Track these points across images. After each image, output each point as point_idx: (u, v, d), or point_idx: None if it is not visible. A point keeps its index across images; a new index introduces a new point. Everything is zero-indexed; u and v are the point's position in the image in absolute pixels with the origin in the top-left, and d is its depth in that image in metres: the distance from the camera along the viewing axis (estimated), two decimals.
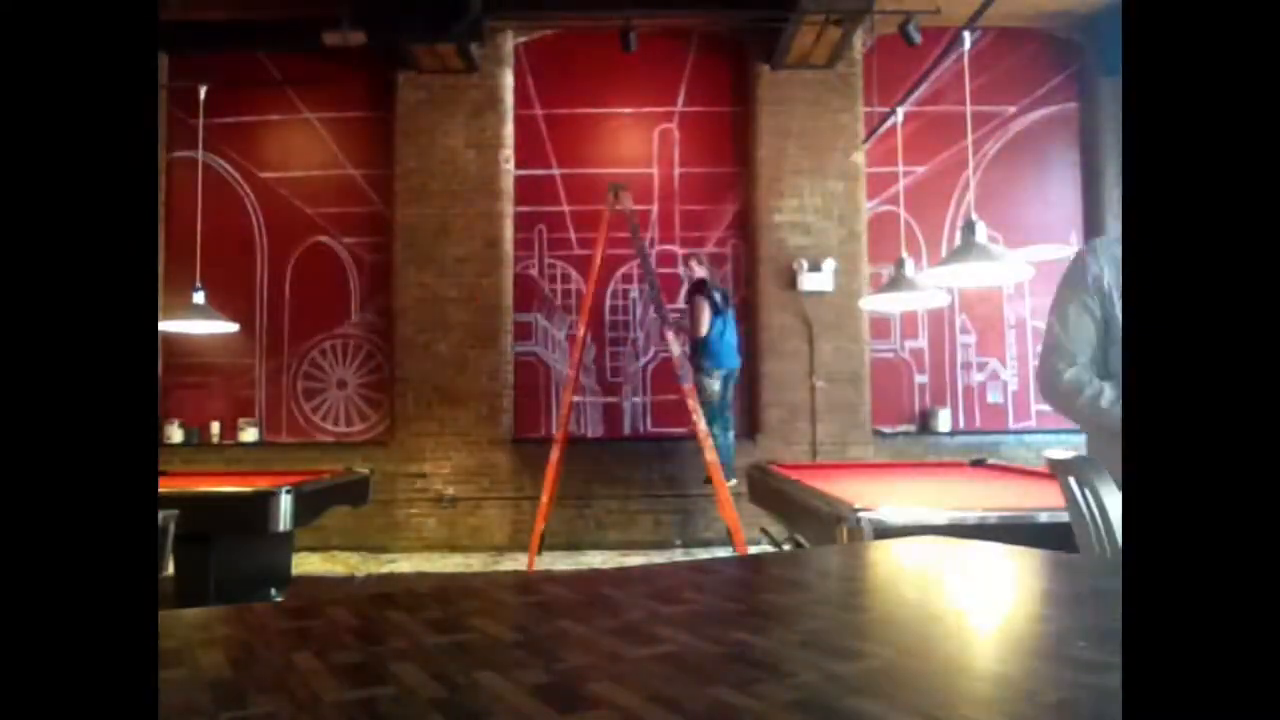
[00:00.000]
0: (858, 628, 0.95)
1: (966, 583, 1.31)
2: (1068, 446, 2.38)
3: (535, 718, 0.67)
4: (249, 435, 7.06)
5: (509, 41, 7.14)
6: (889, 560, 1.43)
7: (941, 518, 2.64)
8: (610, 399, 7.15)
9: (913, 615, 1.05)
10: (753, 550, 6.19)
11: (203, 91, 6.37)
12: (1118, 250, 2.11)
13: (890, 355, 7.25)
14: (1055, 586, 1.22)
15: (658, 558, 6.35)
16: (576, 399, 7.13)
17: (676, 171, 7.27)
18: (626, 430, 7.09)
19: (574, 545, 6.75)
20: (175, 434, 7.04)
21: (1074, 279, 2.15)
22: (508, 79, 7.13)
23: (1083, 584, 1.24)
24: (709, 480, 5.72)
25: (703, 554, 6.49)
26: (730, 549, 5.83)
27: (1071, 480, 2.32)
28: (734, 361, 6.35)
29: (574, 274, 7.20)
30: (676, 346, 5.84)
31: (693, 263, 6.44)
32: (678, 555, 6.54)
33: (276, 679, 0.78)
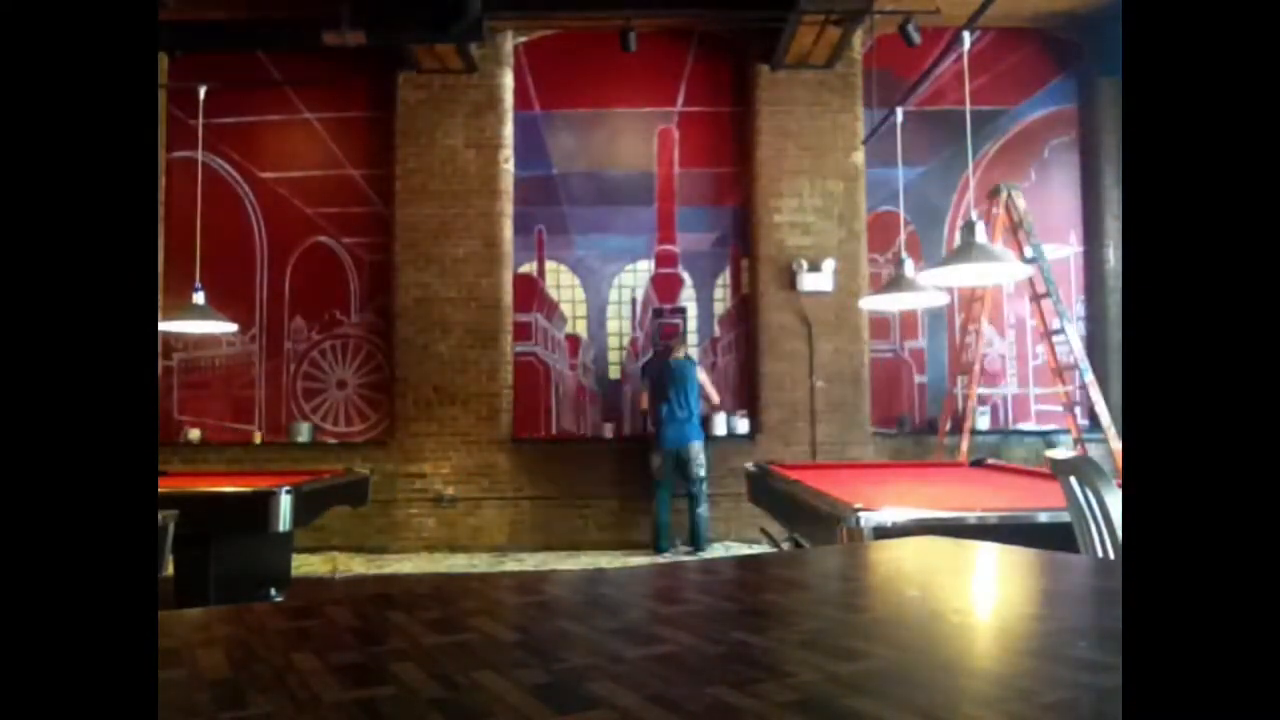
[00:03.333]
0: (858, 628, 0.95)
1: (966, 583, 1.31)
2: (1067, 446, 2.38)
3: (535, 718, 0.67)
4: (302, 435, 7.04)
5: (509, 41, 7.13)
6: (889, 560, 1.43)
7: (941, 518, 2.64)
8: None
9: (912, 615, 1.05)
10: (752, 550, 6.19)
11: (203, 91, 6.35)
12: None
13: (890, 355, 7.25)
14: (1055, 586, 1.22)
15: (658, 558, 6.35)
16: (579, 400, 7.14)
17: (676, 171, 7.27)
18: (627, 430, 7.08)
19: (574, 546, 6.75)
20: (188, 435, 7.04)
21: None
22: (508, 79, 7.13)
23: (1083, 584, 1.24)
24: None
25: (703, 554, 6.48)
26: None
27: (1072, 480, 2.32)
28: (679, 440, 6.26)
29: (574, 275, 7.21)
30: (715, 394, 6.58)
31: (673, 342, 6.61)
32: (677, 555, 6.53)
33: (276, 679, 0.78)
